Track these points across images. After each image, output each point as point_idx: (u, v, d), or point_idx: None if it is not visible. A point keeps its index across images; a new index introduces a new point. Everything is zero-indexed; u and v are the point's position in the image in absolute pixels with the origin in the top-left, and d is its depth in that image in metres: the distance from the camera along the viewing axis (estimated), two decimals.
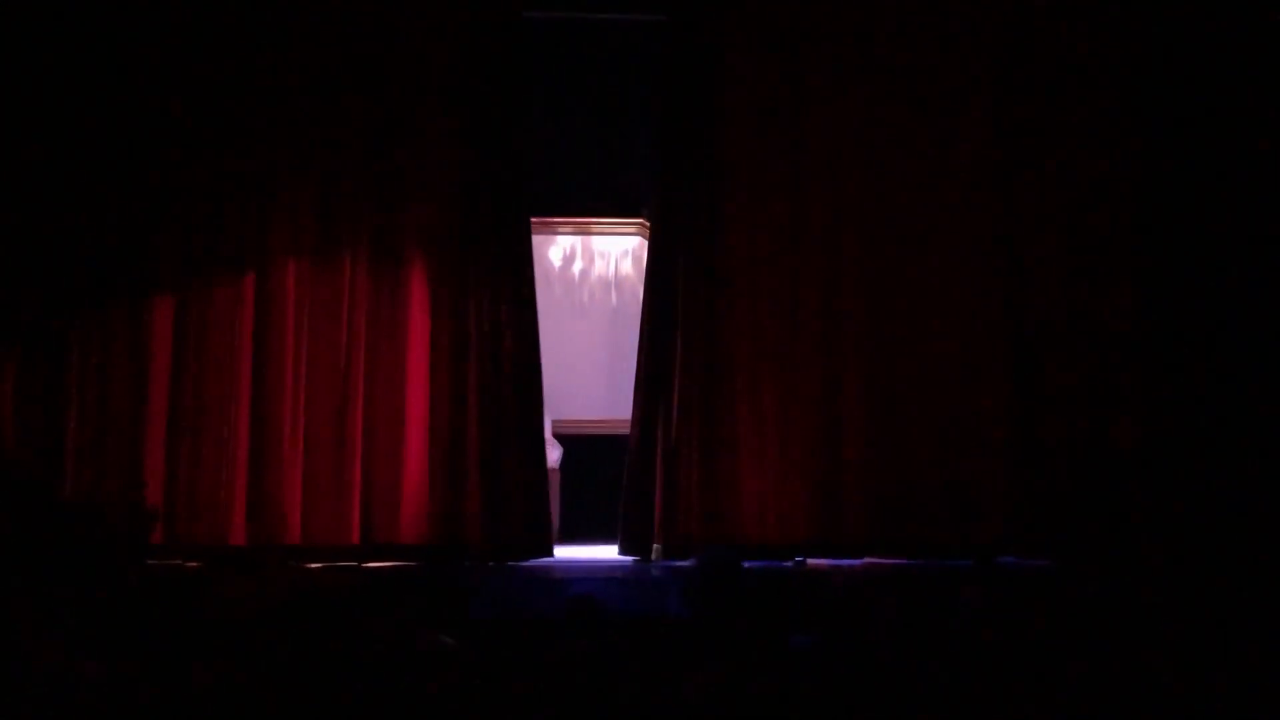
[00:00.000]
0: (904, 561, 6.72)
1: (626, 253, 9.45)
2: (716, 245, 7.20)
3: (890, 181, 7.23)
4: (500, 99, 7.32)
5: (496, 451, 7.07)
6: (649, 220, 7.76)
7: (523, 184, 7.47)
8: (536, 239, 9.45)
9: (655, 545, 7.02)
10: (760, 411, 7.08)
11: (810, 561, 6.82)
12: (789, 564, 6.73)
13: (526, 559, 6.94)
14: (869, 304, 7.17)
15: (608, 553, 7.67)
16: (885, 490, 6.98)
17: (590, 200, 9.42)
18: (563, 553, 7.74)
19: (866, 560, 6.79)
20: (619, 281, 9.42)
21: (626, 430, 9.27)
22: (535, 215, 9.31)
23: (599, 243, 9.45)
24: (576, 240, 9.44)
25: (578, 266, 9.42)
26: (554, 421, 8.82)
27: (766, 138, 7.27)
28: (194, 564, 6.52)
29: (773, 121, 7.26)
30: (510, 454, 7.09)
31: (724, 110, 7.28)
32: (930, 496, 6.97)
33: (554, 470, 8.63)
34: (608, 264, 9.44)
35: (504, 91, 7.35)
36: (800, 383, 7.10)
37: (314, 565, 6.77)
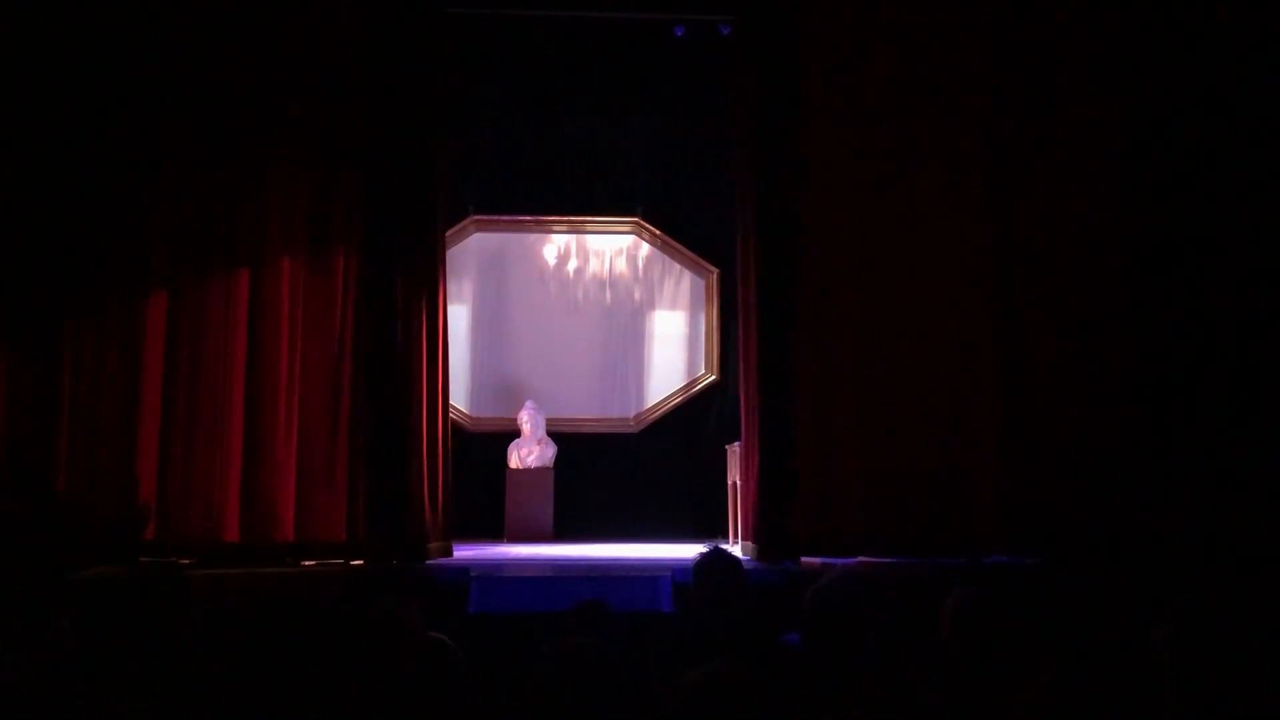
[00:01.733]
0: (896, 560, 6.74)
1: (621, 251, 9.47)
2: (788, 286, 7.15)
3: (891, 190, 7.25)
4: (412, 98, 7.22)
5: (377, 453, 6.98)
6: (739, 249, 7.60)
7: (434, 190, 7.28)
8: (531, 237, 9.50)
9: (748, 543, 7.08)
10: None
11: (803, 560, 6.83)
12: (789, 563, 6.75)
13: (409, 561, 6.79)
14: (861, 307, 7.19)
15: (600, 551, 7.70)
16: (877, 490, 7.00)
17: (585, 198, 9.44)
18: (557, 550, 7.76)
19: (859, 559, 6.81)
20: (613, 280, 9.44)
21: (620, 429, 9.35)
22: (525, 214, 9.39)
23: (593, 241, 9.47)
24: (571, 238, 9.46)
25: (572, 265, 9.44)
26: (547, 420, 8.85)
27: (834, 162, 7.25)
28: (187, 560, 6.53)
29: (840, 149, 7.25)
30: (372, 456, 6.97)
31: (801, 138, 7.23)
32: (922, 497, 6.99)
33: (548, 469, 8.66)
34: (602, 262, 9.45)
35: (416, 92, 7.24)
36: (798, 385, 7.13)
37: (308, 562, 6.78)
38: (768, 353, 7.11)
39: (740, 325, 7.46)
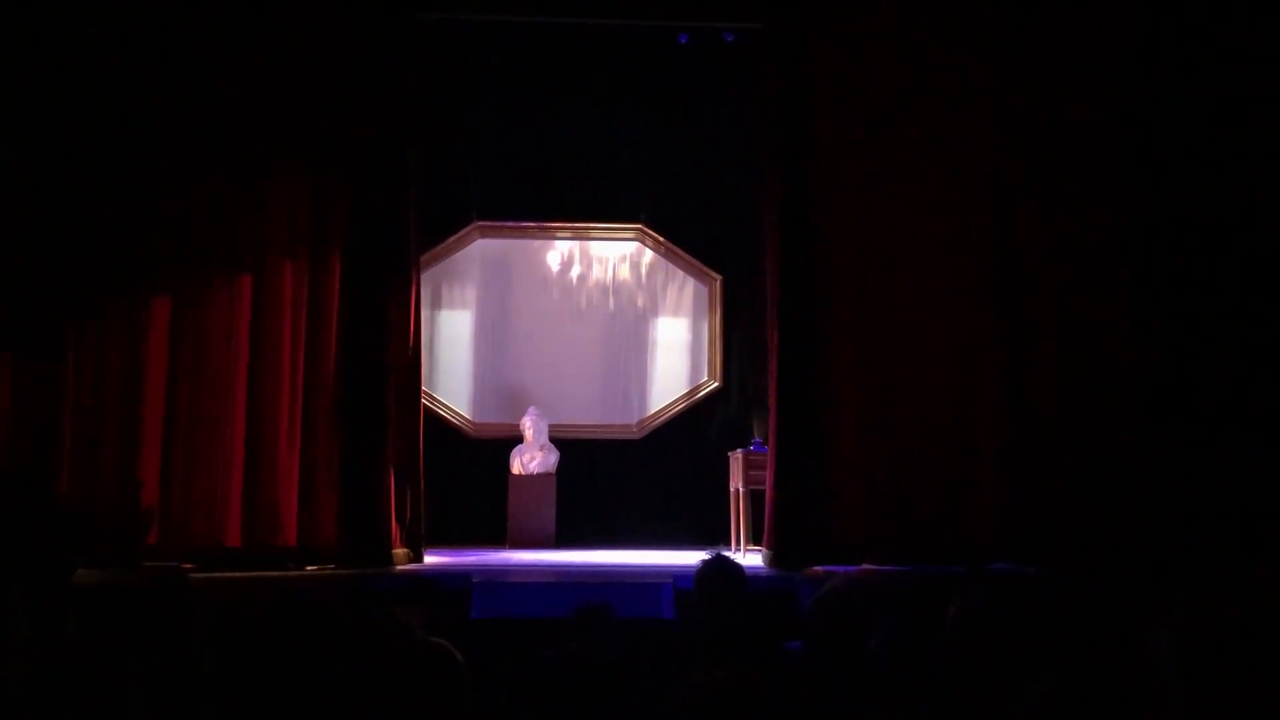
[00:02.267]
0: (899, 568, 6.74)
1: (624, 258, 9.48)
2: (810, 296, 7.17)
3: (897, 199, 7.26)
4: (386, 111, 7.23)
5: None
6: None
7: (406, 200, 7.29)
8: (534, 243, 9.52)
9: (766, 551, 7.07)
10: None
11: (778, 569, 6.84)
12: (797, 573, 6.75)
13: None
14: (864, 315, 7.19)
15: (603, 557, 7.70)
16: (881, 498, 7.01)
17: (589, 205, 9.45)
18: (560, 557, 7.76)
19: (863, 566, 6.81)
20: (617, 286, 9.45)
21: (622, 436, 9.35)
22: (529, 220, 9.40)
23: (597, 248, 9.48)
24: (574, 245, 9.47)
25: (575, 271, 9.44)
26: (550, 426, 8.85)
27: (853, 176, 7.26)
28: (189, 565, 6.53)
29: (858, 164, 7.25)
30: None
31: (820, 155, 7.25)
32: (924, 505, 7.00)
33: (550, 475, 8.66)
34: (605, 269, 9.46)
35: (391, 104, 7.25)
36: (804, 394, 7.14)
37: (311, 567, 6.78)
38: (787, 361, 7.11)
39: (769, 334, 7.42)
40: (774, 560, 6.90)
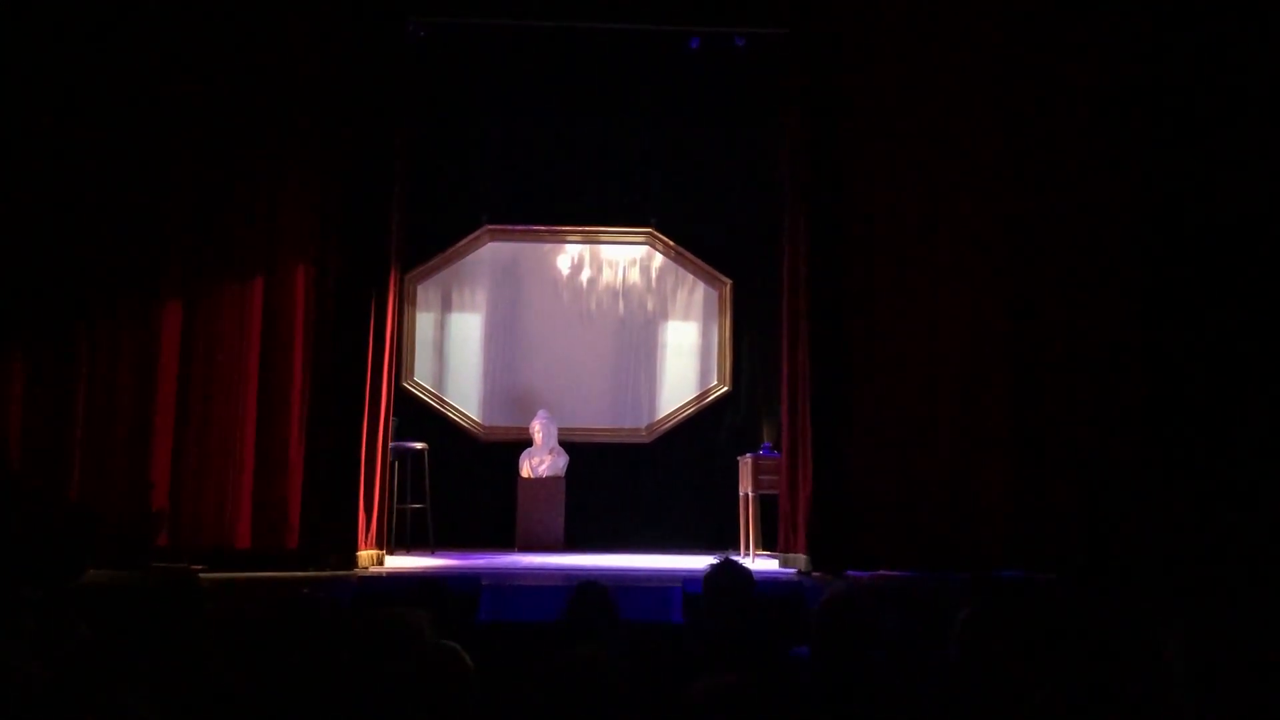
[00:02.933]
0: (912, 574, 6.73)
1: (634, 261, 9.48)
2: (839, 300, 7.18)
3: (912, 208, 7.26)
4: (369, 126, 7.22)
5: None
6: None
7: (388, 226, 7.30)
8: (544, 247, 9.53)
9: (800, 555, 7.06)
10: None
11: (816, 573, 6.83)
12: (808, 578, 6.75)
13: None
14: (876, 322, 7.19)
15: (611, 561, 7.69)
16: (896, 504, 7.00)
17: (599, 208, 9.45)
18: (568, 560, 7.76)
19: (876, 572, 6.80)
20: (627, 290, 9.45)
21: (632, 439, 9.35)
22: (540, 224, 9.41)
23: (607, 251, 9.49)
24: (585, 249, 9.48)
25: (585, 275, 9.45)
26: (560, 429, 8.86)
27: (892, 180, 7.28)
28: (198, 566, 6.56)
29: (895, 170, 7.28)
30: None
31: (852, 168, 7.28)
32: (938, 511, 6.99)
33: (559, 478, 8.66)
34: (616, 273, 9.46)
35: (374, 121, 7.24)
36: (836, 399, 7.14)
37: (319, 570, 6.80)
38: (822, 365, 7.10)
39: (785, 337, 7.39)
40: (811, 565, 6.88)
